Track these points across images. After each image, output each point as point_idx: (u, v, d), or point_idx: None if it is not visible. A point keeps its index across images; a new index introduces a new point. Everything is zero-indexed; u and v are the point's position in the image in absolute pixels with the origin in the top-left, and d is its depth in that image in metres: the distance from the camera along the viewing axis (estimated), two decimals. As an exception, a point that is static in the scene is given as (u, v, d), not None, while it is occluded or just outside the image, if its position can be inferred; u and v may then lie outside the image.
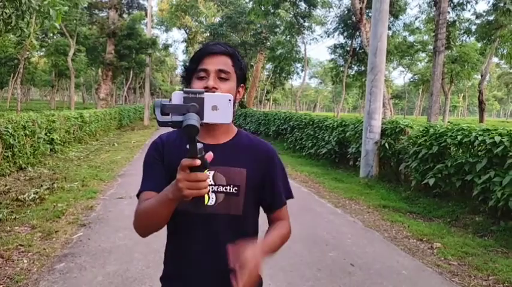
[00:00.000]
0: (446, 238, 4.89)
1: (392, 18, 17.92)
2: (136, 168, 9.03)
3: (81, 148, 11.86)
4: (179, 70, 68.39)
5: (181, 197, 0.99)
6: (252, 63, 31.57)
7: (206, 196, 1.22)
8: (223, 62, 1.27)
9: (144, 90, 28.01)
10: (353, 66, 20.99)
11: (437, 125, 7.12)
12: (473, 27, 19.31)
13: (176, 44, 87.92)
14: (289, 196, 1.43)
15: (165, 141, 1.37)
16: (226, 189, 1.28)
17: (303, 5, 20.84)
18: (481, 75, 21.92)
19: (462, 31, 19.73)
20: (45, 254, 3.95)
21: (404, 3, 18.59)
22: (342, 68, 21.29)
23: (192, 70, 1.29)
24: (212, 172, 1.27)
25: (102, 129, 16.23)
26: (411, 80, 36.81)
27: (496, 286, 3.68)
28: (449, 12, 15.43)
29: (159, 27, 44.69)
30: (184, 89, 0.93)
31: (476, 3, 16.43)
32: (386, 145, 7.98)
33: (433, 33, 12.85)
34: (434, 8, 14.72)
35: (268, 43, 26.19)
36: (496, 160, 5.29)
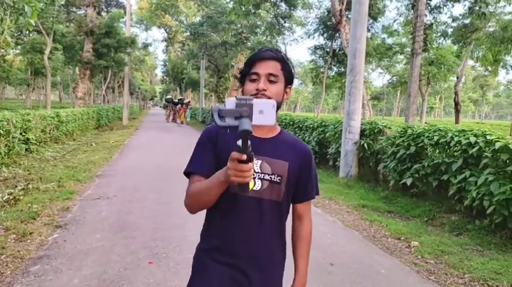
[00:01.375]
0: (424, 237, 4.97)
1: (371, 21, 18.14)
2: (114, 168, 8.91)
3: (58, 148, 11.62)
4: (159, 70, 67.81)
5: (230, 181, 1.17)
6: (232, 64, 31.52)
7: (252, 181, 1.41)
8: (272, 67, 1.44)
9: (123, 90, 27.65)
10: (333, 67, 21.14)
11: (414, 125, 7.23)
12: (450, 30, 19.71)
13: (156, 43, 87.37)
14: (317, 192, 1.65)
15: (218, 131, 1.52)
16: (271, 177, 1.46)
17: (283, 6, 20.93)
18: (457, 78, 22.41)
19: (439, 34, 20.10)
20: (19, 256, 3.85)
21: (383, 5, 18.83)
22: (322, 69, 21.42)
23: (246, 73, 1.48)
24: (260, 161, 1.45)
25: (79, 129, 15.95)
26: (390, 81, 37.31)
27: (471, 284, 3.75)
28: (426, 15, 15.70)
29: (139, 25, 44.24)
30: (237, 96, 1.09)
31: (453, 6, 16.74)
32: (365, 145, 8.07)
33: (411, 36, 13.05)
34: (412, 10, 14.98)
35: (249, 43, 26.18)
36: (471, 160, 5.41)
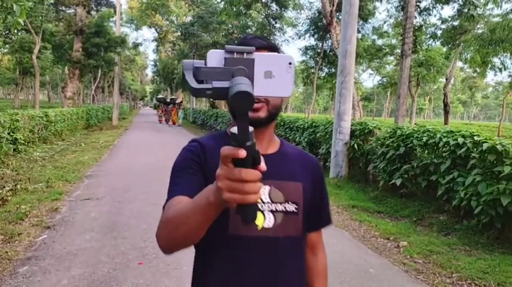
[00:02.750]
0: (412, 237, 5.01)
1: (361, 22, 18.26)
2: (104, 169, 8.85)
3: (46, 148, 11.50)
4: (149, 69, 67.51)
5: (223, 201, 0.71)
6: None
7: (261, 216, 1.07)
8: None
9: (113, 90, 27.46)
10: (324, 68, 21.24)
11: (404, 126, 7.29)
12: (439, 32, 19.89)
13: (146, 43, 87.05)
14: (330, 220, 1.32)
15: (205, 145, 1.15)
16: (285, 207, 1.11)
17: (274, 7, 20.96)
18: (446, 79, 22.63)
19: (428, 36, 20.28)
20: (7, 257, 3.82)
21: (373, 7, 18.96)
22: (312, 70, 21.51)
23: None
24: (268, 188, 1.10)
25: (68, 129, 15.81)
26: (380, 82, 37.60)
27: (459, 283, 3.80)
28: (416, 17, 15.85)
29: (129, 25, 44.01)
30: (227, 45, 0.70)
31: (442, 8, 16.93)
32: (355, 145, 8.12)
33: (401, 37, 13.17)
34: (402, 12, 15.12)
35: (239, 44, 26.14)
36: (459, 161, 5.47)
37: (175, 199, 1.01)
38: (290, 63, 0.71)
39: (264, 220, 1.08)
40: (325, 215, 1.29)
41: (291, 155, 1.22)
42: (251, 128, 0.66)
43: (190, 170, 1.09)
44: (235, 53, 0.69)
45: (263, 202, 1.09)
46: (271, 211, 1.09)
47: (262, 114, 1.08)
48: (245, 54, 0.69)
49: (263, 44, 1.13)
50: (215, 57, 0.70)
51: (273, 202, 1.10)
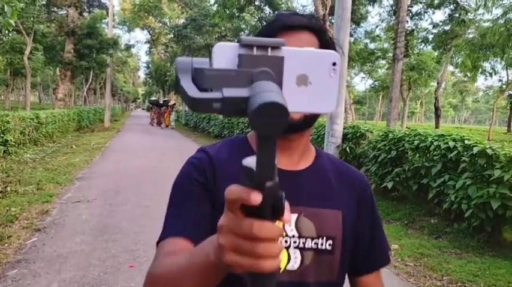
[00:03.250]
0: (404, 240, 5.04)
1: (354, 26, 18.38)
2: (95, 171, 8.79)
3: (37, 150, 11.40)
4: (142, 71, 67.33)
5: (226, 266, 0.48)
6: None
7: (285, 254, 0.83)
8: (306, 43, 0.83)
9: (105, 91, 27.34)
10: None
11: (395, 130, 7.33)
12: (430, 37, 20.08)
13: (139, 45, 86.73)
14: (387, 259, 1.00)
15: (215, 159, 0.89)
16: (316, 244, 0.86)
17: (267, 10, 21.01)
18: (437, 83, 22.82)
19: (420, 40, 20.47)
20: (-4, 260, 3.78)
21: (366, 11, 19.10)
22: (305, 73, 21.55)
23: None
24: (295, 216, 0.84)
25: (59, 131, 15.67)
26: (372, 86, 37.81)
27: (449, 286, 3.82)
28: (407, 22, 15.98)
29: (121, 27, 43.87)
30: (243, 37, 0.47)
31: (433, 13, 17.09)
32: (347, 149, 8.14)
33: (393, 41, 13.26)
34: (394, 16, 15.24)
35: (232, 46, 26.16)
36: (450, 164, 5.52)
37: (169, 243, 0.79)
38: (335, 64, 0.50)
39: (288, 260, 0.84)
40: (379, 252, 0.98)
41: (329, 171, 0.93)
42: (276, 159, 0.44)
43: (192, 197, 0.85)
44: (255, 48, 0.47)
45: (288, 236, 0.84)
46: (299, 248, 0.84)
47: (296, 115, 0.82)
48: (270, 49, 0.47)
49: (306, 24, 0.84)
50: (226, 54, 0.47)
51: (301, 236, 0.85)
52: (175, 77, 0.47)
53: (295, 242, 0.84)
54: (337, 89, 0.51)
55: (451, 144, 5.45)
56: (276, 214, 0.46)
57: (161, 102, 30.80)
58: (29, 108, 18.99)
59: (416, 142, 6.17)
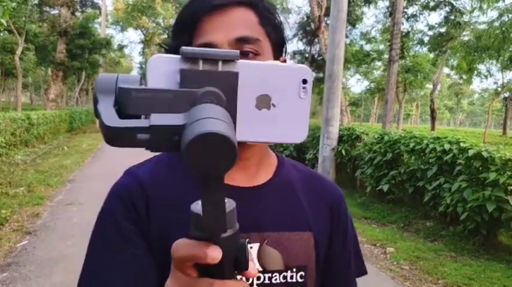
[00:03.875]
0: (399, 243, 5.02)
1: (349, 27, 18.42)
2: (87, 173, 8.71)
3: (28, 152, 11.30)
4: (135, 72, 67.08)
5: None
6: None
7: None
8: (242, 22, 0.65)
9: (98, 92, 27.16)
10: (312, 72, 21.36)
11: (391, 132, 7.33)
12: (426, 39, 20.20)
13: (132, 45, 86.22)
14: (362, 270, 0.88)
15: (146, 182, 0.70)
16: (285, 278, 0.70)
17: (262, 11, 21.04)
18: (433, 85, 22.95)
19: (415, 42, 20.58)
20: (-15, 264, 3.72)
21: (361, 12, 19.15)
22: (300, 75, 21.60)
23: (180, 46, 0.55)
24: (257, 245, 0.68)
25: (51, 132, 15.54)
26: (368, 88, 37.91)
27: (445, 290, 3.80)
28: (403, 23, 16.06)
29: (114, 27, 43.67)
30: (185, 48, 0.39)
31: (429, 15, 17.19)
32: (343, 151, 8.12)
33: (388, 43, 13.29)
34: (390, 18, 15.28)
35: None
36: (445, 167, 5.51)
37: None
38: (305, 82, 0.42)
39: None
40: (345, 274, 0.83)
41: (295, 183, 0.77)
42: (231, 204, 0.37)
43: (118, 246, 0.65)
44: (200, 62, 0.38)
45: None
46: (263, 285, 0.68)
47: None
48: (220, 63, 0.38)
49: None
50: (164, 69, 0.38)
51: (265, 270, 0.68)
52: (93, 98, 0.37)
53: (258, 278, 0.67)
54: (308, 113, 0.42)
55: (447, 147, 5.44)
56: (238, 267, 0.39)
57: None
58: (20, 109, 18.84)
59: (412, 145, 6.16)
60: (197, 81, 0.37)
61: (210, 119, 0.30)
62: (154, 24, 39.66)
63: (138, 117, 0.35)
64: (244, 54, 0.63)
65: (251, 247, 0.67)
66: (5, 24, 7.24)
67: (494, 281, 3.92)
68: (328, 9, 13.11)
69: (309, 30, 19.15)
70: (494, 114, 62.90)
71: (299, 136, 0.42)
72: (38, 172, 8.39)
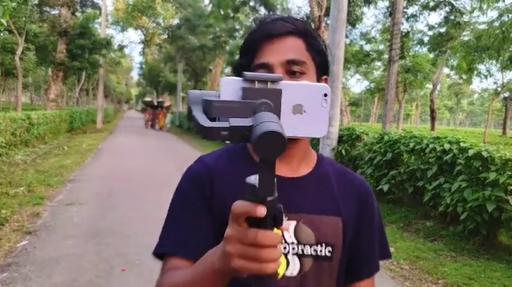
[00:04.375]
0: (399, 243, 5.02)
1: (349, 27, 18.40)
2: (87, 173, 8.71)
3: (28, 152, 11.29)
4: (135, 72, 67.14)
5: (231, 270, 0.57)
6: (210, 68, 31.44)
7: (284, 260, 0.83)
8: (292, 48, 0.83)
9: (98, 92, 27.19)
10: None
11: (391, 132, 7.33)
12: (426, 39, 20.16)
13: (132, 45, 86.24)
14: (387, 255, 1.01)
15: (214, 169, 0.89)
16: (315, 250, 0.85)
17: (262, 10, 21.00)
18: (433, 85, 22.93)
19: (415, 42, 20.55)
20: (-15, 264, 3.72)
21: (361, 12, 19.10)
22: (300, 75, 21.59)
23: (246, 67, 0.84)
24: (294, 223, 0.84)
25: (51, 132, 15.53)
26: (367, 88, 37.88)
27: (445, 290, 3.80)
28: (403, 23, 16.04)
29: (115, 27, 43.65)
30: (247, 73, 0.56)
31: (429, 15, 17.20)
32: (343, 151, 8.12)
33: (388, 43, 13.29)
34: (390, 18, 15.27)
35: (227, 47, 26.18)
36: (445, 167, 5.51)
37: (172, 262, 0.83)
38: (326, 95, 0.59)
39: (287, 267, 0.83)
40: (371, 262, 0.97)
41: (329, 177, 0.92)
42: (274, 179, 0.52)
43: (191, 212, 0.86)
44: (256, 82, 0.55)
45: (287, 242, 0.84)
46: (297, 255, 0.84)
47: None
48: (269, 83, 0.56)
49: (290, 29, 0.84)
50: (230, 87, 0.56)
51: (300, 242, 0.84)
52: (187, 107, 0.55)
53: (293, 248, 0.84)
54: (328, 116, 0.60)
55: (447, 146, 5.44)
56: (275, 223, 0.54)
57: (156, 103, 30.09)
58: (20, 109, 18.82)
59: (411, 144, 6.16)
60: (253, 96, 0.54)
61: (269, 122, 0.47)
62: (155, 25, 39.65)
63: (214, 119, 0.52)
64: (292, 73, 0.82)
65: (290, 224, 0.84)
66: (5, 24, 7.24)
67: (494, 281, 3.92)
68: (328, 9, 13.11)
69: (309, 30, 19.13)
70: (494, 114, 62.85)
71: (322, 132, 0.60)
72: (38, 172, 8.38)
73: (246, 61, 0.85)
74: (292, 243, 0.84)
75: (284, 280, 0.83)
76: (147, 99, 33.04)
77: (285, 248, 0.84)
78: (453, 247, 4.86)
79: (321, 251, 0.85)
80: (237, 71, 0.87)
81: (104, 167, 9.70)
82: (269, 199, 0.52)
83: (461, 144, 5.34)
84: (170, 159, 12.05)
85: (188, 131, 25.03)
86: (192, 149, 15.18)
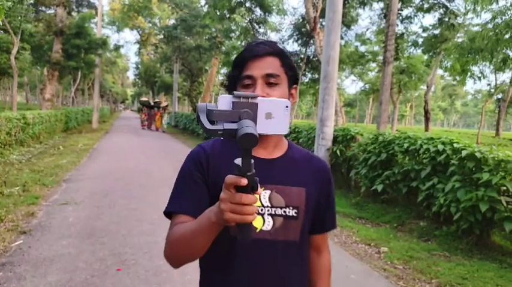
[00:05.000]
0: (393, 243, 5.05)
1: (344, 28, 18.44)
2: (83, 173, 8.69)
3: (23, 151, 11.25)
4: (131, 72, 66.88)
5: (224, 221, 0.85)
6: (206, 68, 31.39)
7: (260, 219, 1.13)
8: (270, 65, 1.13)
9: (93, 92, 27.08)
10: (307, 73, 21.36)
11: (385, 133, 7.36)
12: (420, 40, 20.24)
13: (128, 45, 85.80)
14: (334, 225, 1.34)
15: (209, 152, 1.18)
16: (285, 212, 1.14)
17: (258, 11, 21.00)
18: (427, 86, 23.03)
19: (410, 43, 20.61)
20: (-21, 264, 3.70)
21: (356, 14, 19.17)
22: (295, 75, 21.60)
23: (236, 78, 1.15)
24: (268, 192, 1.13)
25: (46, 132, 15.48)
26: (362, 89, 37.99)
27: (438, 289, 3.83)
28: (398, 25, 16.10)
29: (110, 27, 43.51)
30: (235, 92, 0.83)
31: (423, 17, 17.26)
32: (337, 151, 8.15)
33: (383, 45, 13.34)
34: (384, 20, 15.33)
35: (223, 48, 26.16)
36: (439, 168, 5.55)
37: (178, 218, 1.11)
38: (287, 107, 0.85)
39: (263, 223, 1.13)
40: (330, 219, 1.31)
41: (297, 160, 1.23)
42: (252, 160, 0.79)
43: (192, 182, 1.15)
44: (241, 98, 0.82)
45: (263, 206, 1.13)
46: (271, 215, 1.13)
47: None
48: (250, 99, 0.82)
49: (268, 51, 1.14)
50: (225, 101, 0.82)
51: (272, 206, 1.14)
52: (196, 115, 0.83)
53: (268, 210, 1.13)
54: (288, 120, 0.86)
55: (440, 147, 5.48)
56: (253, 189, 0.83)
57: (152, 103, 29.43)
58: (15, 108, 18.72)
59: (406, 145, 6.19)
60: (240, 106, 0.81)
61: (247, 127, 0.74)
62: (151, 25, 39.56)
63: (214, 122, 0.79)
64: (270, 83, 1.12)
65: (266, 192, 1.14)
66: (1, 23, 7.23)
67: (487, 280, 3.94)
68: (323, 10, 13.17)
69: (305, 32, 19.17)
70: (488, 116, 63.12)
71: (284, 131, 0.86)
72: (34, 172, 8.35)
73: (236, 73, 1.15)
74: (267, 206, 1.13)
75: (260, 233, 1.12)
76: (143, 99, 32.47)
77: (261, 210, 1.12)
78: (446, 247, 4.89)
79: (289, 212, 1.15)
80: (230, 79, 1.19)
81: (99, 167, 9.68)
82: (249, 174, 0.80)
83: (455, 145, 5.38)
84: (166, 159, 12.04)
85: (184, 131, 24.98)
86: (188, 149, 15.16)
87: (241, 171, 0.79)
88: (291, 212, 1.15)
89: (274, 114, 0.84)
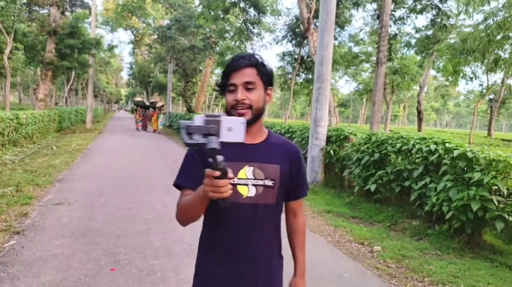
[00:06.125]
0: (386, 242, 5.08)
1: (338, 29, 18.49)
2: (76, 173, 8.66)
3: (17, 151, 11.18)
4: (125, 72, 66.59)
5: (209, 197, 1.20)
6: (200, 68, 31.34)
7: (246, 188, 1.49)
8: (248, 74, 1.47)
9: (87, 92, 26.94)
10: (301, 74, 21.38)
11: (379, 133, 7.40)
12: (413, 41, 20.32)
13: (122, 45, 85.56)
14: (307, 188, 1.74)
15: None
16: (264, 182, 1.51)
17: (252, 12, 21.01)
18: (420, 87, 23.16)
19: (403, 44, 20.70)
20: (-29, 264, 3.68)
21: (350, 15, 19.23)
22: (290, 76, 21.63)
23: (224, 85, 1.51)
24: (252, 168, 1.50)
25: (40, 132, 15.39)
26: (356, 89, 38.08)
27: (430, 287, 3.86)
28: (391, 26, 16.18)
29: (104, 27, 43.34)
30: (207, 113, 1.13)
31: (416, 18, 17.34)
32: (331, 151, 8.19)
33: (376, 45, 13.40)
34: (377, 21, 15.41)
35: (217, 48, 26.13)
36: (431, 167, 5.59)
37: (184, 191, 1.50)
38: (242, 123, 1.14)
39: (248, 191, 1.49)
40: (301, 188, 1.68)
41: (275, 144, 1.60)
42: (221, 158, 1.10)
43: (194, 164, 1.51)
44: (211, 117, 1.11)
45: (248, 178, 1.49)
46: (254, 185, 1.50)
47: (248, 117, 1.46)
48: (216, 117, 1.11)
49: (246, 64, 1.48)
50: (199, 119, 1.11)
51: (255, 178, 1.50)
52: (179, 130, 1.09)
53: (252, 182, 1.49)
54: (243, 133, 1.13)
55: (433, 147, 5.52)
56: (225, 176, 1.14)
57: (147, 103, 28.18)
58: (8, 108, 18.58)
59: (398, 145, 6.24)
60: (209, 123, 1.10)
61: (211, 142, 1.07)
62: (145, 25, 39.46)
63: (192, 135, 1.09)
64: (248, 89, 1.46)
65: (250, 169, 1.50)
66: (-7, 23, 7.18)
67: (479, 279, 3.98)
68: (317, 11, 13.21)
69: (298, 32, 19.20)
70: (480, 116, 63.55)
71: (241, 139, 1.13)
72: (27, 172, 8.30)
73: (224, 81, 1.50)
74: (251, 179, 1.49)
75: (247, 199, 1.49)
76: (138, 99, 31.68)
77: (246, 181, 1.49)
78: (439, 246, 4.93)
79: (267, 183, 1.51)
80: (220, 86, 1.54)
81: (93, 167, 9.64)
82: (220, 166, 1.11)
83: (447, 145, 5.43)
84: (160, 158, 12.02)
85: (178, 132, 24.86)
86: (183, 149, 15.12)
87: (213, 167, 1.12)
88: (269, 183, 1.51)
89: (233, 128, 1.12)
